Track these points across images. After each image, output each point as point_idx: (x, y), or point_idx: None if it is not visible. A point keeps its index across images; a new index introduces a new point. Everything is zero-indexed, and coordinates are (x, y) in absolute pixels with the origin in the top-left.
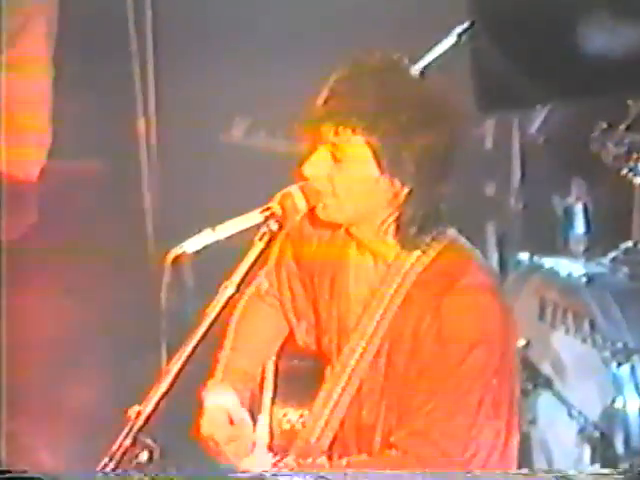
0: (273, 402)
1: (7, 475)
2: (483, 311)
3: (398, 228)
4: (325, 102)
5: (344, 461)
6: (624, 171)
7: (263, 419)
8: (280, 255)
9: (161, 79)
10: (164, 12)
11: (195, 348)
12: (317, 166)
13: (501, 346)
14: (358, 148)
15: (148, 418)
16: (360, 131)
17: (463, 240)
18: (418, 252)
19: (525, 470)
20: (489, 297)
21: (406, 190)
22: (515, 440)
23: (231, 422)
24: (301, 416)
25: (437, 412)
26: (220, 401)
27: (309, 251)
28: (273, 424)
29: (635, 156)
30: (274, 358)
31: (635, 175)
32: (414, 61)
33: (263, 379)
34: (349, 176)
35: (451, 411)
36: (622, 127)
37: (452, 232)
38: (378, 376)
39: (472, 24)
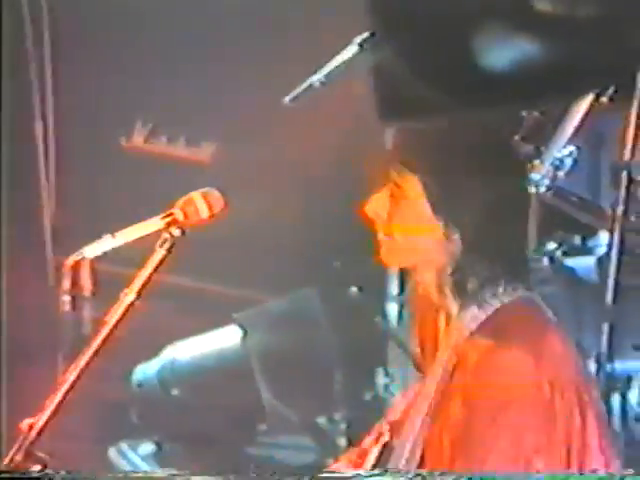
0: None
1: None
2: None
3: (455, 279)
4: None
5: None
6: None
7: None
8: None
9: (59, 81)
10: (63, 11)
11: (93, 357)
12: (379, 205)
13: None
14: (415, 188)
15: (41, 431)
16: (419, 172)
17: (530, 299)
18: (477, 308)
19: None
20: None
21: (458, 237)
22: None
23: None
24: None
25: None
26: None
27: None
28: None
29: (529, 166)
30: None
31: (529, 184)
32: (315, 69)
33: None
34: (405, 214)
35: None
36: (516, 138)
37: (528, 294)
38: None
39: (372, 34)
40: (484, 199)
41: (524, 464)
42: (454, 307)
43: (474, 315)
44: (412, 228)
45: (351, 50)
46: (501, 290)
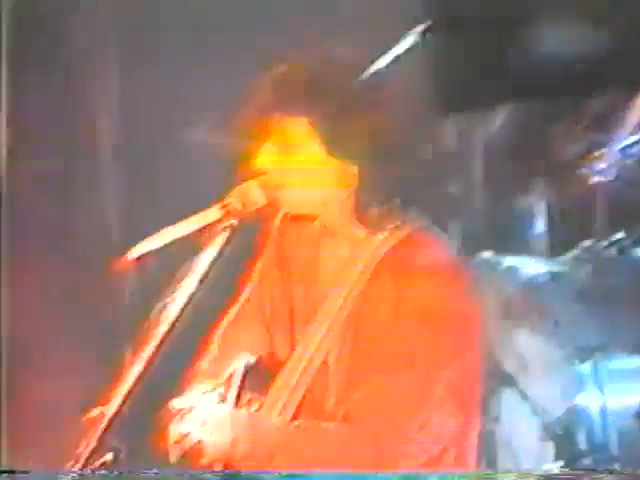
0: (238, 395)
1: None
2: (441, 291)
3: (358, 210)
4: (266, 94)
5: (292, 425)
6: (583, 170)
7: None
8: (264, 264)
9: (120, 79)
10: (121, 12)
11: (158, 348)
12: (268, 157)
13: (459, 329)
14: (302, 132)
15: (112, 420)
16: (302, 115)
17: (432, 225)
18: (385, 234)
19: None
20: (450, 279)
21: (354, 169)
22: (476, 435)
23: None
24: (261, 405)
25: (392, 385)
26: (194, 402)
27: (289, 250)
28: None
29: (594, 155)
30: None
31: (594, 174)
32: (371, 61)
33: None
34: (297, 162)
35: (406, 386)
36: (581, 127)
37: (419, 219)
38: (342, 354)
39: (430, 25)
40: (373, 130)
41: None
42: (361, 233)
43: (383, 241)
44: (307, 171)
45: (410, 40)
46: (402, 218)
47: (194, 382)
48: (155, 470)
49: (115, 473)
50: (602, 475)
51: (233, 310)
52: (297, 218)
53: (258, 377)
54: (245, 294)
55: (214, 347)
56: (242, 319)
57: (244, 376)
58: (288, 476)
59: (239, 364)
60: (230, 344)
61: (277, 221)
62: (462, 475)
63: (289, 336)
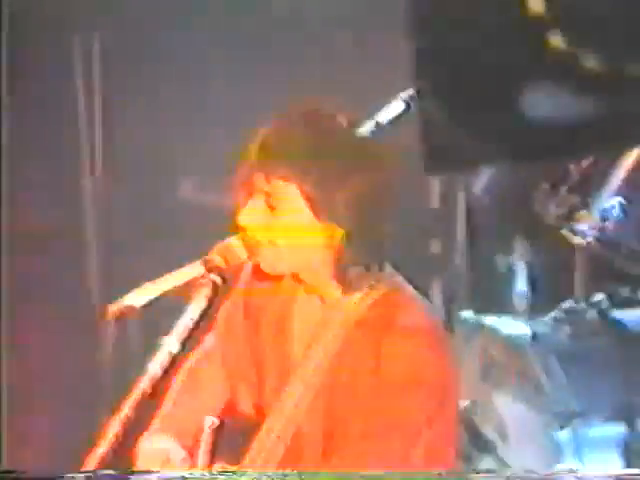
0: (210, 457)
1: (13, 475)
2: (420, 354)
3: (339, 270)
4: (256, 152)
5: None
6: (565, 231)
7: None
8: (229, 312)
9: (107, 138)
10: (112, 72)
11: (135, 407)
12: (252, 215)
13: (437, 393)
14: (291, 195)
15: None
16: (292, 178)
17: (407, 285)
18: (360, 294)
19: None
20: (429, 341)
21: (341, 232)
22: None
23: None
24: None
25: (369, 452)
26: (158, 445)
27: (258, 302)
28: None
29: (575, 216)
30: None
31: (575, 235)
32: (359, 124)
33: (200, 433)
34: (285, 223)
35: (383, 452)
36: (564, 189)
37: (396, 277)
38: (317, 420)
39: (418, 91)
40: (358, 191)
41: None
42: (337, 292)
43: (360, 300)
44: (293, 233)
45: (397, 106)
46: (378, 277)
47: (157, 427)
48: (156, 470)
49: (116, 473)
50: None
51: (192, 359)
52: (268, 276)
53: (227, 437)
54: (208, 343)
55: (169, 401)
56: (203, 370)
57: (212, 437)
58: (287, 476)
59: (204, 425)
60: (188, 399)
61: (248, 268)
62: (462, 475)
63: (257, 395)
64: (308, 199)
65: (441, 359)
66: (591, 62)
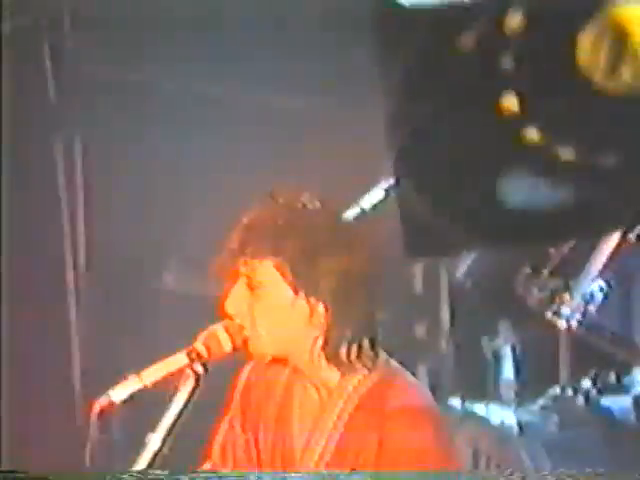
0: None
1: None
2: (422, 437)
3: (330, 350)
4: (236, 239)
5: None
6: (548, 314)
7: None
8: (225, 439)
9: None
10: (93, 160)
11: None
12: (237, 300)
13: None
14: (268, 272)
15: None
16: (265, 255)
17: (402, 368)
18: (358, 377)
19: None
20: (429, 425)
21: (322, 308)
22: None
23: None
24: None
25: None
26: None
27: (254, 410)
28: None
29: (558, 300)
30: None
31: (559, 318)
32: (338, 207)
33: None
34: (265, 303)
35: None
36: (545, 272)
37: (391, 360)
38: None
39: (398, 181)
40: (336, 269)
41: None
42: (333, 376)
43: (357, 386)
44: (274, 312)
45: (377, 195)
46: (374, 359)
47: None
48: (157, 471)
49: (117, 474)
50: None
51: None
52: (266, 365)
53: None
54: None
55: None
56: None
57: None
58: (286, 476)
59: None
60: None
61: (244, 374)
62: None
63: None
64: (284, 274)
65: (442, 443)
66: (566, 154)
